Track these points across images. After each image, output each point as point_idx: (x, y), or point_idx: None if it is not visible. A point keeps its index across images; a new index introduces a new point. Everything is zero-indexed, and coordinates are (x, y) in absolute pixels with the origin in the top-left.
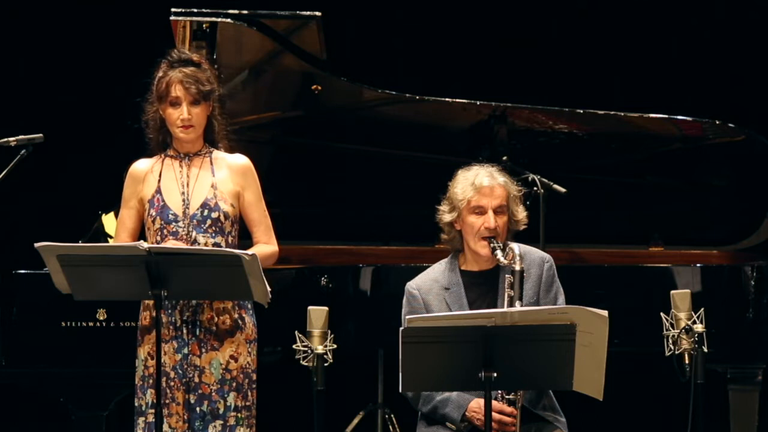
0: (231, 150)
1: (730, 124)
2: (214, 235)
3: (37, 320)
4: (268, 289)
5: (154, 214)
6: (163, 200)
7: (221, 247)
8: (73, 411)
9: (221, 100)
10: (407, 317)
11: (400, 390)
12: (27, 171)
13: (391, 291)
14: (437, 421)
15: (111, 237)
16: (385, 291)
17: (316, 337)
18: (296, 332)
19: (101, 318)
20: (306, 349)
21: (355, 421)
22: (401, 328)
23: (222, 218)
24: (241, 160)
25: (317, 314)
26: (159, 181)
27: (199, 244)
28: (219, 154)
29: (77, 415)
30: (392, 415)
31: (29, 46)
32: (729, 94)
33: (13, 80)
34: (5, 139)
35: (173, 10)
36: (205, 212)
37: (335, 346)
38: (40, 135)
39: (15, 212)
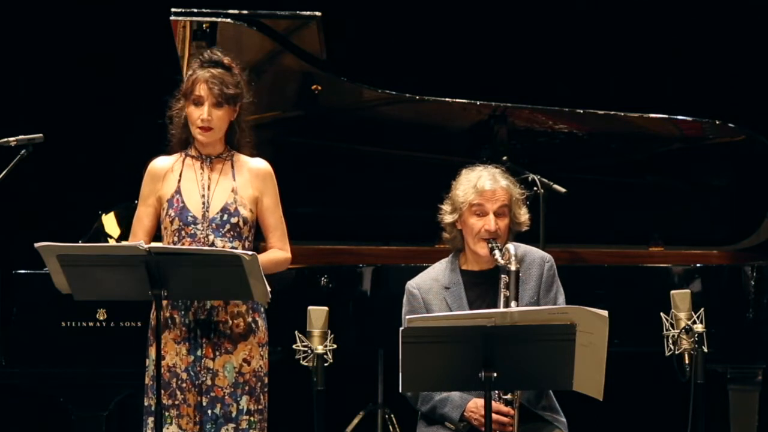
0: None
1: (730, 124)
2: (231, 239)
3: (37, 320)
4: (268, 289)
5: (173, 214)
6: (183, 201)
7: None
8: (73, 411)
9: (248, 108)
10: (407, 317)
11: (400, 390)
12: (27, 171)
13: (391, 291)
14: (437, 421)
15: (111, 237)
16: (385, 291)
17: (316, 337)
18: (296, 332)
19: (101, 318)
20: (306, 349)
21: (355, 421)
22: (401, 328)
23: (241, 223)
24: (261, 164)
25: (317, 314)
26: (179, 181)
27: (216, 247)
28: (241, 158)
29: (77, 415)
30: (392, 415)
31: (29, 46)
32: (729, 94)
33: (13, 80)
34: (5, 139)
35: (173, 10)
36: (225, 217)
37: (335, 346)
38: (40, 135)
39: (15, 212)
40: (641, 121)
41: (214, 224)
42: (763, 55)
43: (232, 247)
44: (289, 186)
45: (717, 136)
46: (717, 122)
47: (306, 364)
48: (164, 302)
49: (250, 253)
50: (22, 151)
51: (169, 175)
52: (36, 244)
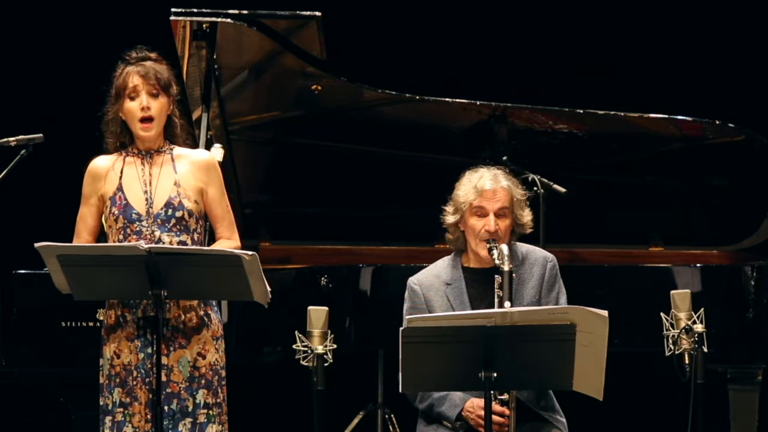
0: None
1: (730, 124)
2: (178, 233)
3: (37, 320)
4: (268, 289)
5: (116, 212)
6: (126, 199)
7: (187, 244)
8: (73, 411)
9: (179, 100)
10: (407, 317)
11: (400, 390)
12: (27, 171)
13: (391, 291)
14: (436, 420)
15: None
16: (385, 291)
17: (316, 337)
18: (296, 332)
19: (101, 318)
20: (306, 349)
21: (355, 421)
22: (401, 328)
23: (186, 216)
24: (203, 155)
25: (317, 314)
26: (120, 178)
27: (163, 243)
28: (181, 150)
29: (77, 415)
30: (392, 415)
31: (29, 46)
32: (729, 94)
33: (13, 80)
34: (5, 139)
35: (173, 10)
36: (169, 211)
37: (335, 346)
38: (40, 135)
39: (15, 212)
40: (641, 121)
41: (159, 220)
42: (763, 55)
43: (180, 242)
44: (289, 186)
45: (717, 136)
46: (717, 122)
47: (306, 364)
48: (115, 301)
49: (250, 252)
50: (22, 151)
51: (110, 173)
52: (36, 244)
